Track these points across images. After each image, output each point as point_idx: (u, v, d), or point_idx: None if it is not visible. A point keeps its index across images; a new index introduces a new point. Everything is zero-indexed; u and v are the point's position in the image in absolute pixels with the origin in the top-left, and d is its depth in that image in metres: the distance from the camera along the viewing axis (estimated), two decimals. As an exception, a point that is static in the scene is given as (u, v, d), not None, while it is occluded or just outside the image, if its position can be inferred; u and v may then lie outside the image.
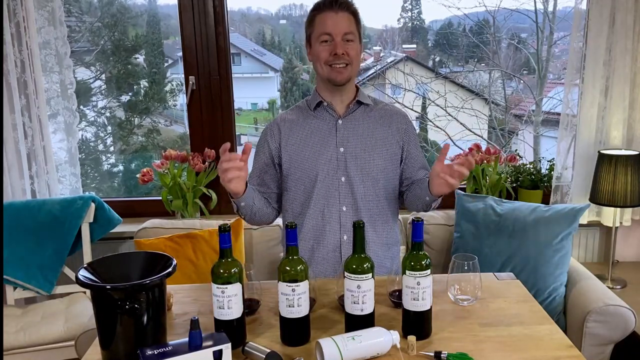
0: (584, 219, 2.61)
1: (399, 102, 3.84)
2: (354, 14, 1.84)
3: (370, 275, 1.37)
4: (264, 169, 1.94)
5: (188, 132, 2.88)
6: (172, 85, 3.55)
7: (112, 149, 3.57)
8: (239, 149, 2.89)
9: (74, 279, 2.48)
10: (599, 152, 2.55)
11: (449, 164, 1.64)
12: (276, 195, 1.98)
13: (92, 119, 3.45)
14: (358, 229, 1.37)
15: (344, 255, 1.87)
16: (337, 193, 1.87)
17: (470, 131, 3.77)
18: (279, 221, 2.48)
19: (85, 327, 1.94)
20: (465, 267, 1.57)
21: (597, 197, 2.51)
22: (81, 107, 3.18)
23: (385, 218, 1.92)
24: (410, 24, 4.12)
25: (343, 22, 1.80)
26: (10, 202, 2.51)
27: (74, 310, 2.41)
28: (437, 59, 4.10)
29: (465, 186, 2.80)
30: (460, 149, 3.39)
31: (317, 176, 1.86)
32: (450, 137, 3.81)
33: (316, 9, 1.83)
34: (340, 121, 1.89)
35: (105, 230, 2.60)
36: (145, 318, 1.25)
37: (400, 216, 2.33)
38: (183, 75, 2.81)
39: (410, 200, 1.91)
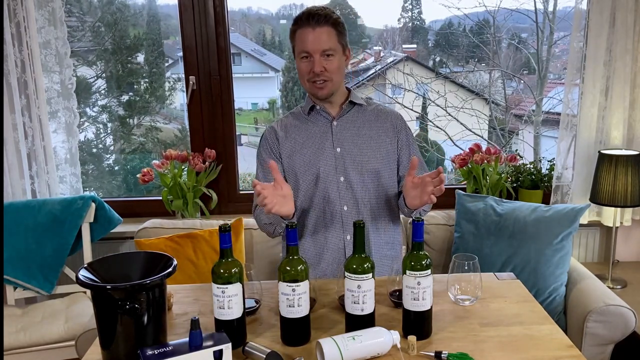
0: (584, 219, 2.62)
1: (398, 103, 3.84)
2: (335, 24, 1.78)
3: (370, 275, 1.37)
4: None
5: (186, 130, 2.87)
6: (170, 82, 3.55)
7: (112, 148, 3.57)
8: (239, 149, 2.92)
9: (74, 279, 2.48)
10: (599, 152, 2.55)
11: (424, 178, 1.63)
12: None
13: (93, 118, 3.45)
14: (358, 229, 1.37)
15: (348, 255, 1.87)
16: (337, 193, 1.86)
17: (471, 131, 3.76)
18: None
19: (86, 327, 1.94)
20: (466, 267, 1.57)
21: (597, 197, 2.51)
22: (82, 105, 3.18)
23: (386, 216, 1.93)
24: (410, 24, 4.11)
25: (321, 39, 1.76)
26: (10, 202, 2.51)
27: (74, 310, 2.41)
28: (437, 59, 4.09)
29: (465, 186, 2.80)
30: (461, 149, 3.38)
31: (316, 177, 1.86)
32: (450, 137, 3.81)
33: (296, 23, 1.81)
34: (335, 122, 1.89)
35: (105, 230, 2.60)
36: (145, 318, 1.25)
37: (400, 216, 2.33)
38: (181, 74, 2.80)
39: (400, 206, 1.92)
